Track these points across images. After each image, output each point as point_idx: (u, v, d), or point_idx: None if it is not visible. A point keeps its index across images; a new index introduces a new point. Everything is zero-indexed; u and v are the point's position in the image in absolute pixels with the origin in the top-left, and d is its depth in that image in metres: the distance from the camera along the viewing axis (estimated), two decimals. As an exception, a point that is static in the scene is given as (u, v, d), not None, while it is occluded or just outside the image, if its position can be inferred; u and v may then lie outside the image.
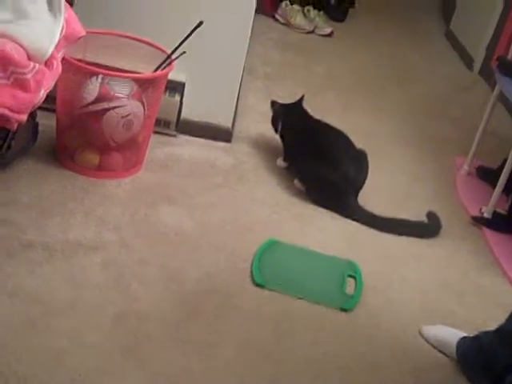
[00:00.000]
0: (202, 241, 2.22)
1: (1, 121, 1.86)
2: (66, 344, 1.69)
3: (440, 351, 1.98)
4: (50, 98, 2.26)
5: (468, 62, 4.45)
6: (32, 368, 1.60)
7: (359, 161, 2.63)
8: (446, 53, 4.66)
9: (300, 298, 2.06)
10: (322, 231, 2.43)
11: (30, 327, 1.71)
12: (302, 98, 2.80)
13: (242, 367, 1.76)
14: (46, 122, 2.47)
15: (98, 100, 2.26)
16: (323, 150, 2.58)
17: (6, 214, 2.09)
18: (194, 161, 2.68)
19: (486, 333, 1.91)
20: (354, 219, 2.51)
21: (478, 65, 4.36)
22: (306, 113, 2.78)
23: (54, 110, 2.45)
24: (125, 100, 2.28)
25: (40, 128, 2.41)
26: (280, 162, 2.75)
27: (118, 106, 2.27)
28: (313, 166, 2.56)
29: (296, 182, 2.64)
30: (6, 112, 1.82)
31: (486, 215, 2.69)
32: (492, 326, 1.90)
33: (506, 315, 1.88)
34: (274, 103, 2.82)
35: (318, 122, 2.74)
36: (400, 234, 2.50)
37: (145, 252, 2.09)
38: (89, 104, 2.26)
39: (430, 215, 2.61)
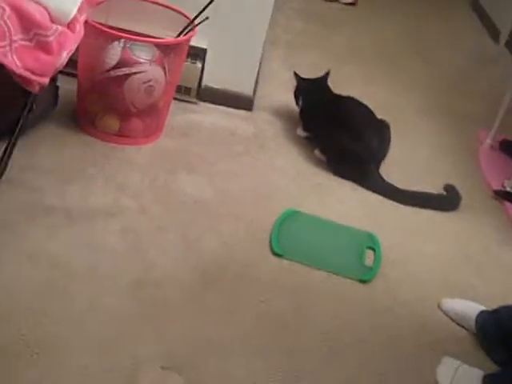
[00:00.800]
0: (221, 209, 2.21)
1: (23, 83, 1.85)
2: (84, 308, 1.70)
3: (458, 324, 1.97)
4: (72, 62, 2.26)
5: (494, 34, 4.36)
6: (52, 331, 1.61)
7: (382, 132, 2.61)
8: (472, 25, 4.58)
9: (318, 269, 2.05)
10: (341, 202, 2.41)
11: (50, 290, 1.72)
12: (327, 74, 2.75)
13: (259, 337, 1.76)
14: (67, 86, 2.46)
15: (119, 65, 2.24)
16: (346, 121, 2.55)
17: (27, 179, 2.09)
18: (214, 128, 2.66)
19: (506, 307, 1.90)
20: (374, 191, 2.49)
21: (504, 37, 4.28)
22: (328, 88, 2.74)
23: (75, 75, 2.44)
24: (146, 65, 2.26)
25: (61, 92, 2.40)
26: (300, 132, 2.73)
27: (139, 72, 2.25)
28: (335, 136, 2.53)
29: (316, 152, 2.61)
30: (29, 74, 1.82)
31: (508, 189, 2.66)
32: (512, 301, 1.89)
33: (527, 290, 1.87)
34: (296, 75, 2.78)
35: (340, 95, 2.70)
36: (421, 206, 2.47)
37: (163, 219, 2.09)
38: (110, 69, 2.24)
39: (449, 188, 2.58)
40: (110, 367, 1.56)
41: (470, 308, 1.99)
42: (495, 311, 1.92)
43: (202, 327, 1.74)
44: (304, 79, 2.77)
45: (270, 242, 2.10)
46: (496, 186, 2.69)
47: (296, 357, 1.72)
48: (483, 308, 1.97)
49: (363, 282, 2.05)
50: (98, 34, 2.23)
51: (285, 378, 1.66)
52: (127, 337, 1.65)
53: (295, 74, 2.78)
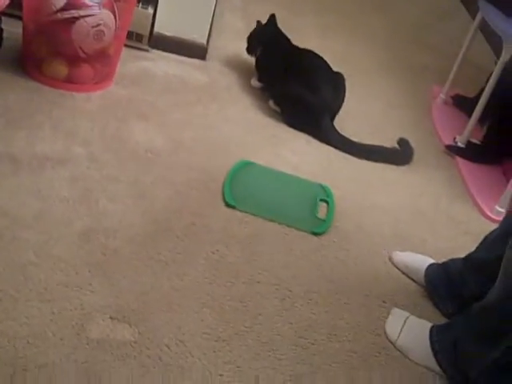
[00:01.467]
0: (173, 159, 2.17)
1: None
2: (32, 258, 1.65)
3: (408, 277, 1.99)
4: (16, 3, 2.16)
5: (449, -11, 4.35)
6: (-3, 280, 1.56)
7: (337, 84, 2.58)
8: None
9: (271, 221, 2.04)
10: (295, 154, 2.40)
11: (-4, 239, 1.67)
12: (272, 17, 2.70)
13: (211, 286, 1.75)
14: (12, 29, 2.36)
15: (67, 7, 2.15)
16: (302, 72, 2.52)
17: (-31, 124, 2.01)
18: (166, 77, 2.60)
19: (455, 260, 1.93)
20: (328, 143, 2.48)
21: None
22: (287, 39, 2.69)
23: (20, 17, 2.33)
24: (95, 9, 2.17)
25: (5, 35, 2.30)
26: (255, 82, 2.69)
27: (88, 15, 2.17)
28: (289, 87, 2.50)
29: (271, 103, 2.58)
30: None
31: (459, 144, 2.68)
32: (461, 254, 1.92)
33: (475, 244, 1.89)
34: (259, 23, 2.72)
35: (298, 47, 2.66)
36: (374, 160, 2.47)
37: (114, 168, 2.04)
38: (57, 11, 2.15)
39: (402, 142, 2.59)
40: (57, 317, 1.53)
41: (420, 261, 2.01)
42: (444, 264, 1.95)
43: (152, 277, 1.71)
44: (258, 25, 2.72)
45: (223, 192, 2.08)
46: (448, 141, 2.71)
47: (247, 307, 1.72)
48: (432, 261, 1.99)
49: (316, 234, 2.04)
50: (45, -26, 2.13)
51: (236, 328, 1.65)
52: (76, 287, 1.62)
53: (258, 22, 2.72)
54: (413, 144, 2.58)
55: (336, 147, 2.47)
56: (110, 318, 1.57)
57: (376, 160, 2.48)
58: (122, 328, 1.56)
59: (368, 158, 2.47)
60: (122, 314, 1.59)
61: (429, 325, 1.78)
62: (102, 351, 1.49)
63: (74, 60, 2.27)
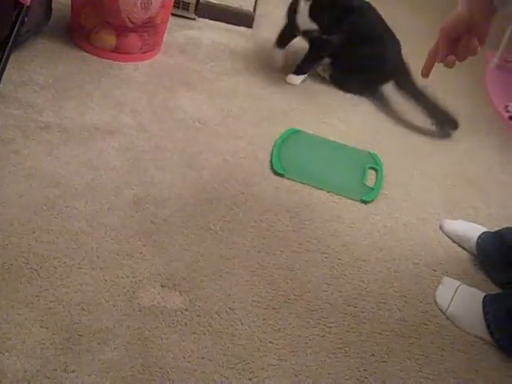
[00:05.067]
0: (220, 128, 2.17)
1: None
2: (84, 226, 1.68)
3: (460, 246, 1.96)
4: (65, -27, 2.17)
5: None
6: (51, 249, 1.59)
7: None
8: None
9: (320, 189, 2.03)
10: (344, 122, 2.37)
11: (48, 209, 1.70)
12: None
13: (260, 255, 1.75)
14: (61, 0, 2.37)
15: (114, -23, 2.15)
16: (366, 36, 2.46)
17: (21, 95, 2.03)
18: (213, 45, 2.59)
19: (508, 228, 1.89)
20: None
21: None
22: None
23: (68, -12, 2.35)
24: (143, -23, 2.17)
25: (54, 6, 2.31)
26: None
27: (135, -16, 2.16)
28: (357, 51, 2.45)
29: (319, 69, 2.54)
30: (20, -16, 1.74)
31: (511, 112, 2.61)
32: (514, 223, 1.88)
33: (530, 212, 1.85)
34: None
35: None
36: (424, 111, 2.44)
37: (163, 137, 2.05)
38: (105, -19, 2.16)
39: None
40: (110, 284, 1.55)
41: (472, 229, 1.98)
42: (497, 232, 1.91)
43: (202, 246, 1.73)
44: None
45: (271, 161, 2.07)
46: (500, 107, 2.64)
47: (296, 276, 1.72)
48: (485, 229, 1.96)
49: (365, 202, 2.03)
50: None
51: (285, 296, 1.66)
52: (126, 255, 1.64)
53: None
54: (465, 110, 2.52)
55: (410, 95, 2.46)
56: (161, 285, 1.59)
57: (426, 113, 2.44)
58: (172, 296, 1.58)
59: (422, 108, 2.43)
60: (172, 281, 1.60)
61: (480, 294, 1.76)
62: (153, 318, 1.51)
63: (121, 30, 2.28)
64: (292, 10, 2.39)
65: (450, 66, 1.30)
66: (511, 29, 2.84)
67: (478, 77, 2.85)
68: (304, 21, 2.34)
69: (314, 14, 2.29)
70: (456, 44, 1.30)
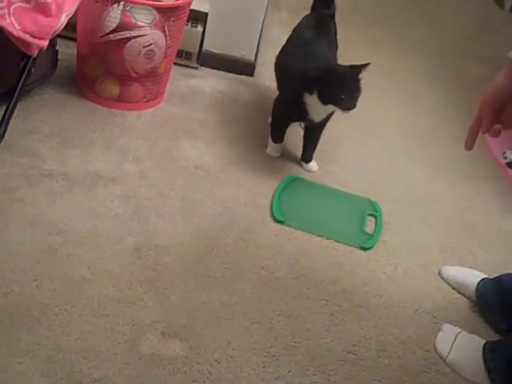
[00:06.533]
0: (222, 175, 2.20)
1: (22, 46, 1.83)
2: (86, 273, 1.70)
3: (459, 292, 1.97)
4: (71, 25, 2.24)
5: (499, -1, 4.31)
6: (53, 296, 1.61)
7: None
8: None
9: (319, 236, 2.05)
10: (343, 169, 2.40)
11: (51, 256, 1.72)
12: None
13: (260, 302, 1.76)
14: (67, 50, 2.44)
15: (119, 28, 2.21)
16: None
17: (26, 143, 2.08)
18: (215, 94, 2.64)
19: (508, 275, 1.90)
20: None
21: (509, 2, 4.22)
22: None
23: (74, 39, 2.42)
24: (147, 29, 2.22)
25: (60, 56, 2.37)
26: None
27: (139, 35, 2.22)
28: None
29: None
30: (28, 37, 1.79)
31: (508, 159, 2.64)
32: (512, 269, 1.89)
33: (528, 259, 1.87)
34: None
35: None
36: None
37: (164, 185, 2.08)
38: (110, 32, 2.22)
39: None
40: (110, 332, 1.56)
41: (471, 276, 1.99)
42: (496, 279, 1.92)
43: (202, 293, 1.74)
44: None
45: (271, 208, 2.10)
46: (498, 154, 2.68)
47: (296, 323, 1.73)
48: (484, 276, 1.97)
49: (364, 249, 2.05)
50: (98, -3, 2.20)
51: (285, 343, 1.66)
52: (127, 302, 1.65)
53: None
54: (463, 156, 2.55)
55: None
56: (162, 333, 1.60)
57: None
58: (173, 343, 1.59)
59: None
60: (172, 329, 1.62)
61: (481, 341, 1.76)
62: (153, 366, 1.52)
63: (125, 79, 2.33)
64: (296, 109, 2.19)
65: (496, 135, 1.29)
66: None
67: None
68: (319, 111, 2.17)
69: (326, 99, 2.09)
70: (499, 113, 1.29)
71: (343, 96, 2.04)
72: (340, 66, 2.13)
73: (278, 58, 2.42)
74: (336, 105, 2.07)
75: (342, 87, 2.04)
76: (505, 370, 1.66)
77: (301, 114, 2.19)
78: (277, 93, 2.39)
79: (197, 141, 2.33)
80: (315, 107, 2.14)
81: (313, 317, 1.76)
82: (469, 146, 1.35)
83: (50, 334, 1.52)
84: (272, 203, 2.12)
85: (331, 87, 2.06)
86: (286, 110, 2.28)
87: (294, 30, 2.46)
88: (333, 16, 2.48)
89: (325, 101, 2.08)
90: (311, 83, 2.09)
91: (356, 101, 2.05)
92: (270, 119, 2.38)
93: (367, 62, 2.03)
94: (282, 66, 2.36)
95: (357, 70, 2.05)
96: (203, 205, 2.05)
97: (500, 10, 4.26)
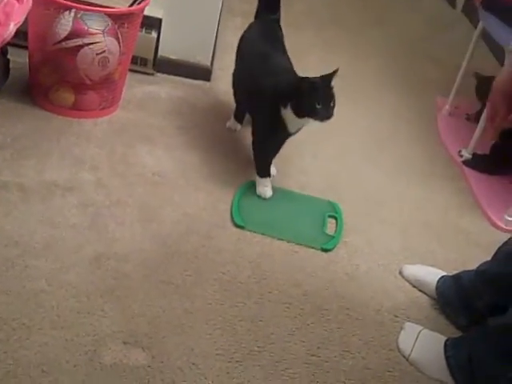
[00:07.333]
0: (180, 181, 2.18)
1: (-30, 56, 1.79)
2: (44, 285, 1.67)
3: (420, 290, 1.99)
4: (22, 33, 2.20)
5: (451, -1, 4.38)
6: (10, 310, 1.57)
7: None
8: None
9: (280, 239, 2.05)
10: (301, 172, 2.41)
11: (7, 269, 1.68)
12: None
13: (222, 307, 1.75)
14: (18, 59, 2.40)
15: (71, 36, 2.18)
16: None
17: (-22, 154, 2.03)
18: (172, 99, 2.62)
19: (467, 272, 1.92)
20: None
21: (461, 2, 4.30)
22: None
23: (26, 47, 2.37)
24: (99, 36, 2.20)
25: (12, 65, 2.33)
26: None
27: (92, 43, 2.19)
28: None
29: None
30: (-25, 46, 1.76)
31: (465, 156, 2.68)
32: (471, 266, 1.91)
33: (486, 255, 1.89)
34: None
35: None
36: None
37: (122, 192, 2.06)
38: (62, 40, 2.18)
39: None
40: (71, 343, 1.54)
41: (431, 274, 2.01)
42: (455, 276, 1.94)
43: (164, 301, 1.72)
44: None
45: (231, 213, 2.09)
46: (454, 153, 2.71)
47: (259, 327, 1.72)
48: (443, 273, 1.99)
49: (325, 250, 2.05)
50: (48, 4, 2.17)
51: (248, 348, 1.65)
52: (87, 313, 1.63)
53: None
54: (419, 156, 2.59)
55: None
56: (123, 342, 1.58)
57: None
58: (135, 352, 1.57)
59: None
60: (134, 338, 1.59)
61: (442, 338, 1.78)
62: (115, 376, 1.49)
63: (80, 87, 2.30)
64: (277, 125, 2.12)
65: None
66: (460, 76, 2.94)
67: (430, 123, 2.93)
68: (296, 124, 2.11)
69: (301, 113, 2.04)
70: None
71: (318, 106, 2.00)
72: (309, 77, 2.05)
73: (237, 74, 2.40)
74: (312, 117, 2.01)
75: (315, 98, 2.00)
76: (466, 366, 1.68)
77: (281, 129, 2.12)
78: (234, 104, 2.39)
79: (154, 147, 2.31)
80: (291, 119, 2.08)
81: (276, 320, 1.76)
82: (492, 138, 1.37)
83: (7, 348, 1.48)
84: (232, 208, 2.11)
85: (305, 100, 2.01)
86: (268, 131, 2.17)
87: (244, 41, 2.44)
88: (278, 21, 2.47)
89: (301, 114, 2.03)
90: (284, 97, 2.05)
91: (332, 109, 2.02)
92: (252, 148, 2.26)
93: (336, 69, 2.02)
94: (248, 84, 2.29)
95: (327, 78, 2.03)
96: (162, 211, 2.03)
97: (452, 9, 4.33)
